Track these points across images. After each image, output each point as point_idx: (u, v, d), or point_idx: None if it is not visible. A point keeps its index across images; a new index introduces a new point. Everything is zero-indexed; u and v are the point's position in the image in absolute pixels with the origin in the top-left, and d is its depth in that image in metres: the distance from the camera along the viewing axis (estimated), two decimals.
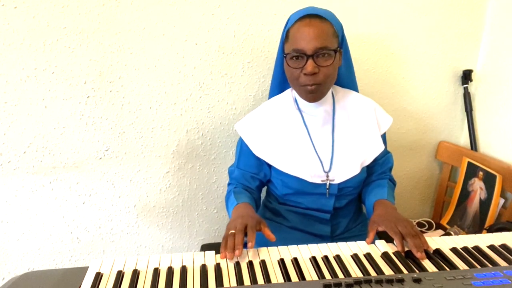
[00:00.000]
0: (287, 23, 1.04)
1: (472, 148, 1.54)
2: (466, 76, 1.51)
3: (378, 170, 1.17)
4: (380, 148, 1.11)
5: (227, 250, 0.83)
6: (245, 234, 0.88)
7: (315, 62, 0.96)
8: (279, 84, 1.17)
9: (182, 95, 1.32)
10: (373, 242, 0.91)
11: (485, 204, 1.38)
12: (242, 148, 1.14)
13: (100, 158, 1.33)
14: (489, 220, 1.35)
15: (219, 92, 1.35)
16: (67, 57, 1.19)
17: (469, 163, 1.46)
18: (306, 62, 0.96)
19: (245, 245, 0.86)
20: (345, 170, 1.07)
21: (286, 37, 1.02)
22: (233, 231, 0.87)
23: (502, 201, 1.36)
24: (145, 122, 1.32)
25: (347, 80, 1.15)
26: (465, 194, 1.48)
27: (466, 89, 1.53)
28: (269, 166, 1.12)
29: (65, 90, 1.23)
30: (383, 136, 1.15)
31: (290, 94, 1.13)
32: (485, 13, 1.47)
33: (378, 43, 1.42)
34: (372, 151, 1.10)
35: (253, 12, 1.28)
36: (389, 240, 0.91)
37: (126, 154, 1.35)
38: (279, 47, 1.10)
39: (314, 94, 1.01)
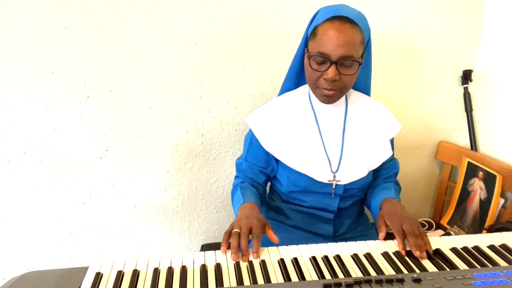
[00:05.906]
0: (315, 17, 1.00)
1: (472, 148, 1.54)
2: (466, 76, 1.51)
3: (384, 175, 1.17)
4: (388, 153, 1.12)
5: (231, 250, 0.84)
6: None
7: (337, 69, 0.95)
8: (295, 77, 1.15)
9: (182, 95, 1.32)
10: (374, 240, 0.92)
11: (485, 204, 1.38)
12: (252, 141, 1.13)
13: (100, 158, 1.33)
14: (489, 220, 1.35)
15: (219, 92, 1.35)
16: (67, 57, 1.19)
17: (469, 163, 1.46)
18: (328, 68, 0.95)
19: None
20: (352, 172, 1.07)
21: (313, 33, 0.98)
22: (237, 230, 0.87)
23: (502, 201, 1.36)
24: (145, 122, 1.32)
25: (363, 83, 1.14)
26: (465, 194, 1.48)
27: (466, 89, 1.53)
28: (277, 161, 1.12)
29: (65, 90, 1.23)
30: (391, 142, 1.15)
31: (304, 91, 1.12)
32: (485, 13, 1.47)
33: (378, 43, 1.42)
34: (380, 155, 1.11)
35: (253, 12, 1.28)
36: (388, 238, 0.91)
37: (126, 154, 1.35)
38: (302, 39, 1.07)
39: (329, 98, 1.01)
